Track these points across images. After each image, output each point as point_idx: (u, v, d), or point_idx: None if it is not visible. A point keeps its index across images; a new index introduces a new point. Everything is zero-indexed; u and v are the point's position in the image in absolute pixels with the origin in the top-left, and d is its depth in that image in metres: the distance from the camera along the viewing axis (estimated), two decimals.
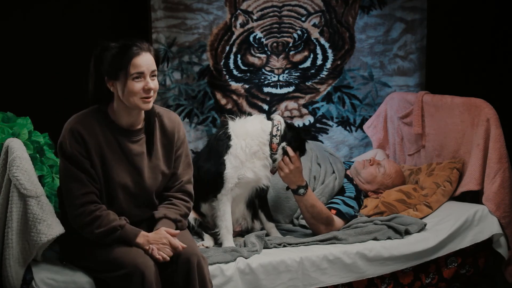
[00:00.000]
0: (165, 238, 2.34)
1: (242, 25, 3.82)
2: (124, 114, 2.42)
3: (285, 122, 2.87)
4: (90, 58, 2.43)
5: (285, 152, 2.82)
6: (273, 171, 2.87)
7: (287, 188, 2.92)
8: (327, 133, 4.02)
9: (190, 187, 2.58)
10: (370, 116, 4.01)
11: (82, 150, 2.35)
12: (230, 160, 2.76)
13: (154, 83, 2.37)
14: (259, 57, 3.87)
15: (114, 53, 2.35)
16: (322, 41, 3.94)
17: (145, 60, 2.35)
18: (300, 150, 2.87)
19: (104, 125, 2.41)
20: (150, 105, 2.40)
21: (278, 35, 3.88)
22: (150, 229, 2.44)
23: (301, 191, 2.87)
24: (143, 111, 2.46)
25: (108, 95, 2.43)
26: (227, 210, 2.77)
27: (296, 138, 2.84)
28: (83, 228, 2.35)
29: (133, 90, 2.33)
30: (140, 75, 2.34)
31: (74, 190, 2.34)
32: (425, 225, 2.96)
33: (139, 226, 2.44)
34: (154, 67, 2.38)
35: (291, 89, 3.94)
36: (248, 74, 3.86)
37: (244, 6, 3.81)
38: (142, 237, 2.35)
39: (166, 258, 2.32)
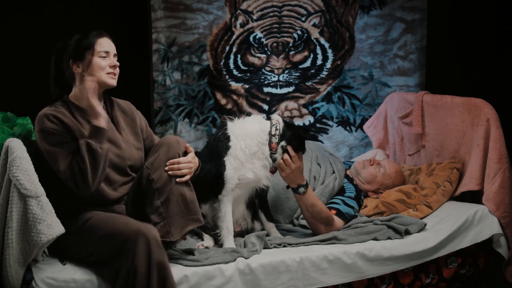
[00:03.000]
0: None
1: (242, 25, 3.82)
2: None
3: (284, 121, 2.87)
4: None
5: (285, 151, 2.82)
6: (273, 171, 2.87)
7: (287, 187, 2.93)
8: (327, 133, 4.02)
9: None
10: (370, 116, 4.01)
11: (62, 128, 2.45)
12: (230, 161, 2.76)
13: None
14: (259, 57, 3.87)
15: (78, 38, 2.55)
16: (322, 41, 3.94)
17: (108, 42, 2.57)
18: (301, 149, 2.87)
19: (73, 110, 2.54)
20: (115, 82, 2.56)
21: (278, 35, 3.88)
22: (133, 206, 2.56)
23: (301, 190, 2.87)
24: (101, 99, 2.60)
25: (69, 83, 2.57)
26: (228, 211, 2.77)
27: (295, 137, 2.84)
28: (85, 184, 2.39)
29: (100, 66, 2.52)
30: (106, 54, 2.54)
31: (63, 163, 2.40)
32: (425, 225, 2.95)
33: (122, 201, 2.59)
34: (116, 52, 2.58)
35: (291, 89, 3.94)
36: (248, 74, 3.87)
37: (244, 6, 3.81)
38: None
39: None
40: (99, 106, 2.44)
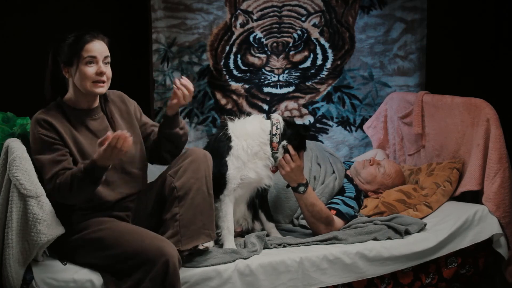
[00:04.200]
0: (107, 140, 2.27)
1: (242, 25, 3.82)
2: (80, 99, 2.51)
3: (284, 119, 2.87)
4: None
5: (286, 150, 2.82)
6: (274, 170, 2.87)
7: (288, 186, 2.93)
8: (327, 133, 4.02)
9: None
10: (370, 116, 4.01)
11: (52, 134, 2.42)
12: (232, 161, 2.76)
13: (107, 69, 2.48)
14: (259, 57, 3.87)
15: (69, 41, 2.46)
16: (322, 41, 3.94)
17: (97, 46, 2.45)
18: (301, 147, 2.87)
19: (66, 112, 2.50)
20: (103, 90, 2.49)
21: (278, 35, 3.88)
22: (138, 205, 2.56)
23: (301, 189, 2.87)
24: (98, 96, 2.56)
25: (63, 86, 2.53)
26: (229, 211, 2.77)
27: (296, 136, 2.84)
28: (63, 200, 2.38)
29: (85, 74, 2.43)
30: (93, 59, 2.44)
31: (48, 172, 2.38)
32: (425, 225, 2.95)
33: (127, 201, 2.55)
34: (107, 54, 2.48)
35: (291, 89, 3.94)
36: (248, 74, 3.87)
37: (244, 6, 3.81)
38: (98, 157, 2.31)
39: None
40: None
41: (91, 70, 2.43)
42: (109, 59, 2.49)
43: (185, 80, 2.58)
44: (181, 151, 2.67)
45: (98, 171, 2.31)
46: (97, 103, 2.57)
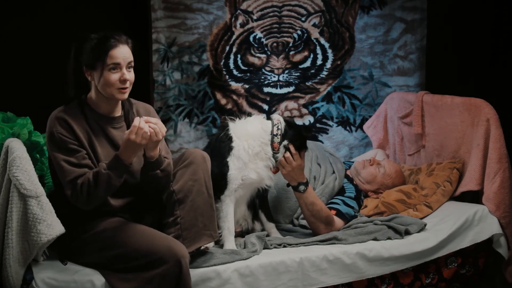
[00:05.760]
0: (134, 127, 2.30)
1: (242, 25, 3.82)
2: (102, 102, 2.49)
3: (285, 120, 2.88)
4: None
5: (287, 150, 2.83)
6: (274, 171, 2.87)
7: (288, 185, 2.93)
8: (327, 133, 4.02)
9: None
10: (370, 116, 4.01)
11: (70, 134, 2.40)
12: (233, 161, 2.76)
13: (130, 75, 2.44)
14: (259, 57, 3.87)
15: (93, 44, 2.41)
16: (322, 41, 3.94)
17: (122, 52, 2.41)
18: (302, 147, 2.87)
19: (87, 114, 2.47)
20: (126, 96, 2.46)
21: (278, 35, 3.88)
22: (139, 217, 2.52)
23: (302, 187, 2.87)
24: (120, 102, 2.53)
25: (86, 85, 2.49)
26: (230, 211, 2.77)
27: (297, 136, 2.85)
28: (85, 200, 2.36)
29: (109, 81, 2.40)
30: (117, 66, 2.40)
31: (68, 175, 2.36)
32: (425, 225, 2.96)
33: (131, 207, 2.51)
34: (131, 59, 2.45)
35: (291, 89, 3.94)
36: (248, 74, 3.86)
37: (244, 6, 3.81)
38: (121, 149, 2.33)
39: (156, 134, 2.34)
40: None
41: (114, 77, 2.39)
42: (132, 63, 2.45)
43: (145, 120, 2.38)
44: (163, 191, 2.55)
45: (121, 166, 2.33)
46: (120, 111, 2.54)
